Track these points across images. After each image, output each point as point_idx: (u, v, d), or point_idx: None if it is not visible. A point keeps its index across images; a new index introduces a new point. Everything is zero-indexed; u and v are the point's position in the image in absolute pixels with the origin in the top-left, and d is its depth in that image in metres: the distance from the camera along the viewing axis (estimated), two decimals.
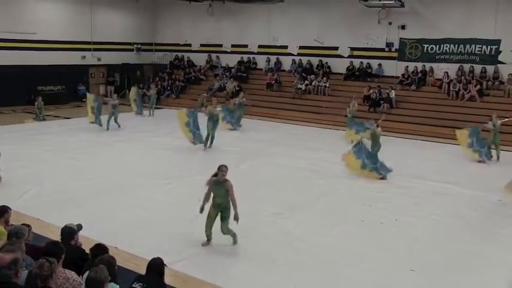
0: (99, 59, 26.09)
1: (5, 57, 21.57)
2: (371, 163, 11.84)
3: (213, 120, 14.64)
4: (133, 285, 4.55)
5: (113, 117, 17.36)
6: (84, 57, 25.42)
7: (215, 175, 7.33)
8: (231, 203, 7.26)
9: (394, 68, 21.60)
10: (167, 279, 6.38)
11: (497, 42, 19.08)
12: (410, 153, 15.03)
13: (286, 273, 6.77)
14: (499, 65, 19.32)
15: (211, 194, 7.36)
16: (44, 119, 19.15)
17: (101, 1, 25.29)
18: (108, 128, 17.18)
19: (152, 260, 4.82)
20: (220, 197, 7.29)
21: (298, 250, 7.54)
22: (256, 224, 8.60)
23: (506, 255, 7.67)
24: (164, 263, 4.85)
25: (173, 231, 8.18)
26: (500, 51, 19.13)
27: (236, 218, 7.23)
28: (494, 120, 14.43)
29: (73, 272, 4.27)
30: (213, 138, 14.63)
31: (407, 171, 12.48)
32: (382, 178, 11.73)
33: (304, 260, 7.17)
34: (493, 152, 14.32)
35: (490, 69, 19.55)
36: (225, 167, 7.30)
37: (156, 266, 4.75)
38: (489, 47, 19.36)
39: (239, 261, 7.12)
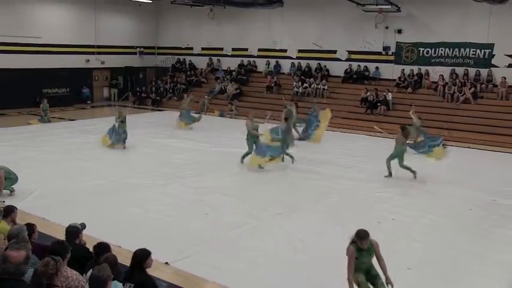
0: (102, 62, 26.09)
1: (11, 61, 21.60)
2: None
3: (256, 137, 12.60)
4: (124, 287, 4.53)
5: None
6: (88, 60, 25.44)
7: (353, 242, 5.49)
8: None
9: (390, 71, 21.60)
10: (169, 277, 6.42)
11: (491, 46, 19.07)
12: (406, 155, 14.99)
13: (286, 272, 6.76)
14: (492, 68, 19.30)
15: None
16: (49, 121, 19.14)
17: (104, 6, 25.30)
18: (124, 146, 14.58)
19: (135, 253, 4.74)
20: (367, 265, 5.61)
21: (298, 249, 7.53)
22: (257, 224, 8.59)
23: (501, 254, 7.65)
24: (149, 254, 4.75)
25: (175, 230, 8.19)
26: (494, 55, 19.12)
27: (390, 283, 5.50)
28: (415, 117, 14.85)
29: (74, 272, 4.26)
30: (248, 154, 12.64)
31: (403, 172, 12.47)
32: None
33: (304, 259, 7.16)
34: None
35: (484, 72, 19.52)
36: (367, 235, 5.40)
37: (138, 258, 4.68)
38: (483, 50, 19.34)
39: (240, 260, 7.10)
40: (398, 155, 11.84)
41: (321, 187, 11.08)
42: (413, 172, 11.81)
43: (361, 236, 5.35)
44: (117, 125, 14.54)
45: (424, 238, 8.25)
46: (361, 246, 5.38)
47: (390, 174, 11.98)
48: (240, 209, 9.35)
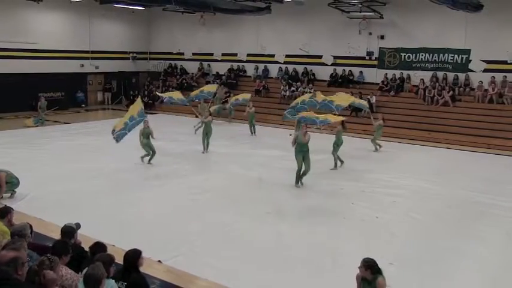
0: (96, 67, 25.93)
1: (8, 66, 21.40)
2: None
3: (303, 151, 10.81)
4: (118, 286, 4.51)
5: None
6: (82, 65, 25.26)
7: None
8: None
9: (374, 75, 21.75)
10: (161, 275, 6.41)
11: (468, 51, 19.31)
12: (389, 155, 15.15)
13: (275, 269, 6.78)
14: (469, 73, 19.56)
15: None
16: (43, 122, 18.97)
17: (98, 12, 25.10)
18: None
19: (126, 253, 4.74)
20: None
21: (286, 247, 7.56)
22: (247, 223, 8.60)
23: (477, 248, 7.78)
24: (140, 253, 4.75)
25: (167, 229, 8.17)
26: (470, 60, 19.37)
27: None
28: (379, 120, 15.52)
29: (70, 270, 4.24)
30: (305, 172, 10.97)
31: (386, 172, 12.60)
32: None
33: (292, 257, 7.18)
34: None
35: (462, 76, 19.77)
36: (366, 263, 4.94)
37: (130, 258, 4.68)
38: (460, 56, 19.58)
39: (230, 258, 7.10)
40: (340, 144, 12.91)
41: (308, 186, 11.11)
42: (342, 162, 12.93)
43: (362, 264, 4.93)
44: (142, 140, 12.68)
45: (406, 235, 8.33)
46: (366, 276, 4.89)
47: (336, 166, 12.81)
48: (231, 208, 9.36)
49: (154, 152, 12.82)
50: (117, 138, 12.23)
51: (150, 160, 12.85)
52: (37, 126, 18.71)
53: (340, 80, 22.36)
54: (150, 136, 12.69)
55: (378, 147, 15.39)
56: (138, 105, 12.72)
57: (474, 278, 6.75)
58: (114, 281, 4.33)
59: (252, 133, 17.95)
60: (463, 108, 19.04)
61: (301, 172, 10.92)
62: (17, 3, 21.56)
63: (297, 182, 10.99)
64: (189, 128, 18.15)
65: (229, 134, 17.41)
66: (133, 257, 4.69)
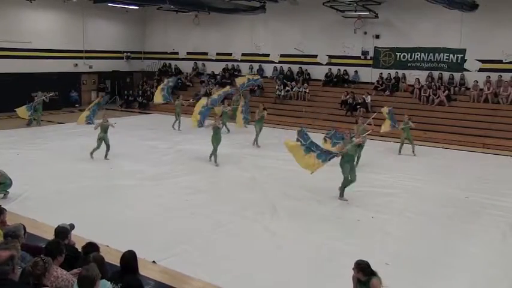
0: (90, 67, 25.83)
1: (1, 66, 21.27)
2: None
3: (350, 161, 10.22)
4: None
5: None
6: (76, 65, 25.17)
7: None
8: None
9: (369, 75, 21.81)
10: (156, 275, 6.40)
11: (463, 51, 19.41)
12: (384, 155, 15.20)
13: (270, 269, 6.79)
14: (464, 73, 19.67)
15: None
16: (38, 122, 18.88)
17: (92, 12, 25.02)
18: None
19: (123, 254, 4.71)
20: None
21: (281, 247, 7.56)
22: (242, 223, 8.61)
23: (471, 247, 7.83)
24: (136, 255, 4.71)
25: (161, 229, 8.16)
26: (466, 60, 19.47)
27: None
28: (406, 120, 15.11)
29: (64, 271, 4.22)
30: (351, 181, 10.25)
31: (382, 172, 12.63)
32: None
33: (287, 257, 7.19)
34: (408, 146, 15.08)
35: (457, 76, 19.88)
36: (359, 265, 5.03)
37: (128, 260, 4.64)
38: (456, 55, 19.68)
39: (225, 258, 7.11)
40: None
41: (302, 186, 11.12)
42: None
43: (354, 266, 5.01)
44: (99, 133, 13.02)
45: (401, 234, 8.35)
46: (359, 277, 4.97)
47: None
48: (225, 209, 9.36)
49: (108, 147, 13.07)
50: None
51: (91, 153, 13.09)
52: (31, 119, 18.54)
53: (335, 80, 22.41)
54: (108, 129, 13.04)
55: (413, 151, 15.02)
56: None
57: (469, 278, 6.78)
58: (110, 282, 4.32)
59: (228, 131, 18.00)
60: (459, 108, 19.13)
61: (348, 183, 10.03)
62: (10, 2, 21.48)
63: (341, 194, 10.15)
64: (184, 128, 18.13)
65: (224, 134, 17.37)
66: (130, 258, 4.68)
